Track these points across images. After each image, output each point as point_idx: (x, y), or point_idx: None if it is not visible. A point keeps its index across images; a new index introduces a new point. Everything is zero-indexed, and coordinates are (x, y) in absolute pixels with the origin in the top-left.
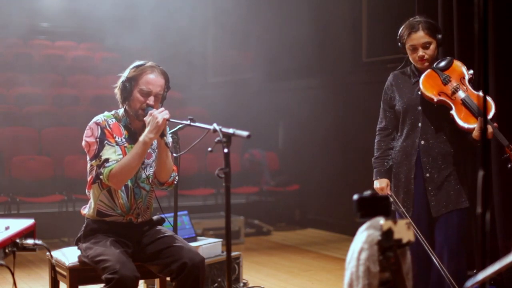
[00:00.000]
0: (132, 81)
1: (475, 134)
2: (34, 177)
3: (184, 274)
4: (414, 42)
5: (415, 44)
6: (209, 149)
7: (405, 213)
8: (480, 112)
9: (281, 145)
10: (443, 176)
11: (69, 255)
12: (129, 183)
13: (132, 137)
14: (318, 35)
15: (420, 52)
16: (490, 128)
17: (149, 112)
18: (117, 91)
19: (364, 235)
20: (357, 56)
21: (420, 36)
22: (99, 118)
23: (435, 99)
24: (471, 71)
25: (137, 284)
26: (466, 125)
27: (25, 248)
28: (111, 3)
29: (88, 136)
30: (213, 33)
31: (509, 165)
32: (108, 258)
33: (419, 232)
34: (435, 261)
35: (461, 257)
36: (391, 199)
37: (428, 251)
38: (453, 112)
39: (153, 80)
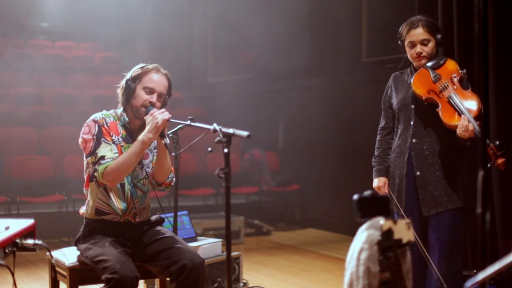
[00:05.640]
0: (136, 79)
1: (458, 131)
2: (34, 177)
3: (184, 275)
4: (412, 38)
5: (413, 41)
6: (209, 149)
7: (398, 211)
8: (464, 110)
9: (281, 145)
10: (433, 175)
11: (69, 255)
12: (126, 183)
13: (130, 137)
14: (318, 35)
15: (418, 48)
16: (471, 126)
17: (150, 112)
18: (119, 91)
19: (364, 235)
20: (357, 56)
21: (419, 32)
22: (97, 116)
23: (424, 97)
24: (464, 70)
25: (137, 284)
26: (449, 123)
27: (25, 248)
28: (111, 3)
29: (85, 133)
30: (213, 33)
31: (489, 164)
32: (108, 258)
33: (414, 233)
34: (428, 259)
35: (454, 258)
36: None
37: (420, 249)
38: (439, 109)
39: (157, 79)
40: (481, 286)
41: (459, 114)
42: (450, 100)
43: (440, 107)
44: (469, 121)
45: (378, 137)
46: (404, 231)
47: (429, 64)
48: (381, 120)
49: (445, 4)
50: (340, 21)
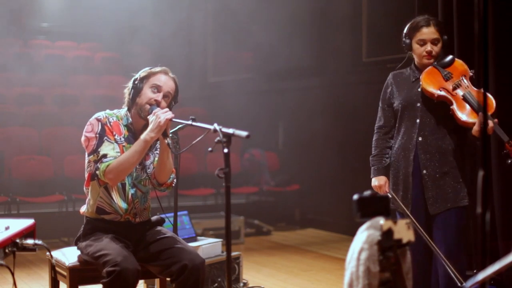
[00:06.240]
0: (144, 79)
1: (475, 129)
2: (34, 177)
3: (184, 276)
4: (424, 36)
5: (425, 39)
6: (209, 149)
7: (405, 210)
8: (480, 108)
9: (281, 145)
10: (441, 173)
11: (69, 255)
12: (127, 184)
13: (132, 137)
14: (318, 35)
15: (429, 47)
16: (490, 123)
17: (153, 111)
18: (126, 91)
19: (364, 235)
20: (357, 56)
21: (431, 31)
22: (101, 114)
23: (436, 95)
24: (472, 70)
25: (138, 277)
26: (468, 119)
27: (25, 248)
28: (111, 3)
29: (88, 132)
30: (213, 33)
31: (509, 161)
32: (109, 252)
33: (421, 229)
34: (439, 257)
35: (460, 257)
36: (390, 197)
37: (431, 246)
38: (454, 107)
39: (165, 79)
40: (481, 286)
41: (476, 112)
42: (466, 98)
43: (454, 104)
44: (488, 119)
45: (376, 136)
46: (404, 231)
47: (437, 63)
48: (378, 119)
49: (445, 4)
50: (340, 21)
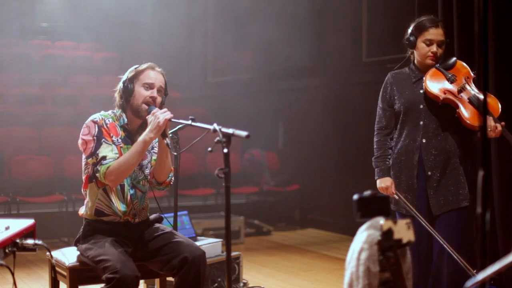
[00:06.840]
0: (133, 79)
1: (488, 133)
2: (34, 177)
3: (185, 268)
4: (432, 36)
5: (432, 39)
6: (209, 149)
7: (414, 210)
8: (487, 111)
9: (281, 145)
10: (444, 174)
11: (69, 255)
12: (125, 184)
13: (128, 138)
14: (318, 35)
15: (434, 48)
16: (499, 126)
17: (152, 111)
18: (116, 95)
19: (364, 235)
20: (357, 56)
21: (439, 33)
22: (96, 116)
23: (441, 97)
24: (474, 72)
25: (138, 283)
26: (473, 123)
27: (25, 248)
28: (111, 3)
29: (85, 134)
30: (213, 33)
31: None
32: (109, 258)
33: (430, 227)
34: (447, 253)
35: (462, 257)
36: (397, 197)
37: (443, 243)
38: (460, 110)
39: (155, 75)
40: (481, 286)
41: (482, 115)
42: (472, 101)
43: (461, 107)
44: (495, 122)
45: (377, 137)
46: (404, 231)
47: (440, 65)
48: (379, 119)
49: (445, 4)
50: (340, 21)
